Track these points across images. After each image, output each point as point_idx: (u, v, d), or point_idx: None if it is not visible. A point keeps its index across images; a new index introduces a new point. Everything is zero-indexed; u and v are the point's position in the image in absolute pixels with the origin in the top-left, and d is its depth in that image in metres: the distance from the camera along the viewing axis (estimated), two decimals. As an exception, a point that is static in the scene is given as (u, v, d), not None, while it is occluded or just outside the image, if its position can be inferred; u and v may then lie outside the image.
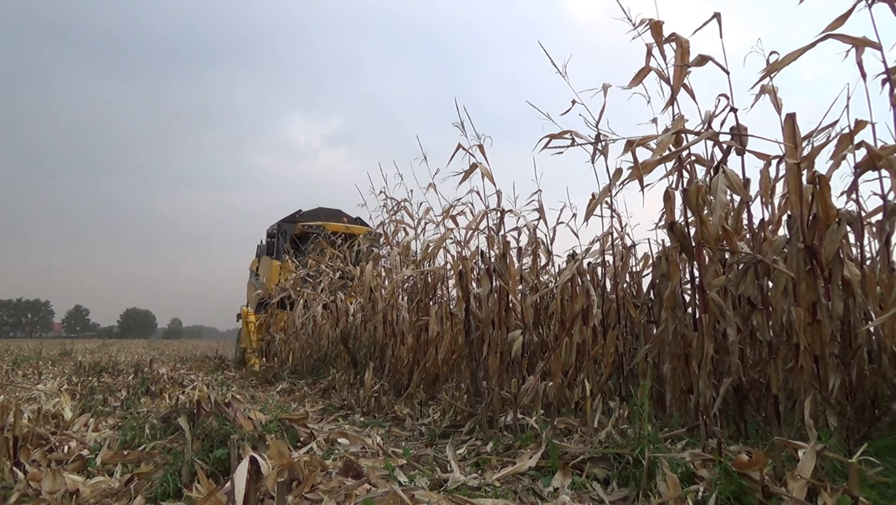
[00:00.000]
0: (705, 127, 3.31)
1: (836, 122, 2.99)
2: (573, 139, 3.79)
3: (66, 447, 3.25)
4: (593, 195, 3.77)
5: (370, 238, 9.97)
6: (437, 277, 5.93)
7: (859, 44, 2.79)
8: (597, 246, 4.42)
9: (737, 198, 3.42)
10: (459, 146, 5.01)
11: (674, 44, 3.41)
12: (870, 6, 2.71)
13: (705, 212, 3.22)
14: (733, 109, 3.22)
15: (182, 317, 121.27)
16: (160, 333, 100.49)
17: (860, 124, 2.90)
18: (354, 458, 2.82)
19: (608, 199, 3.97)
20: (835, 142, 2.99)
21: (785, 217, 3.23)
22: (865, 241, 3.20)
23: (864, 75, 2.81)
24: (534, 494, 2.46)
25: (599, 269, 4.49)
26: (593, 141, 3.79)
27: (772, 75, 3.00)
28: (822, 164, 3.02)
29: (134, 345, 28.77)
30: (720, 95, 3.26)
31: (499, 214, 4.96)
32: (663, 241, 3.65)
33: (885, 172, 2.88)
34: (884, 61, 2.74)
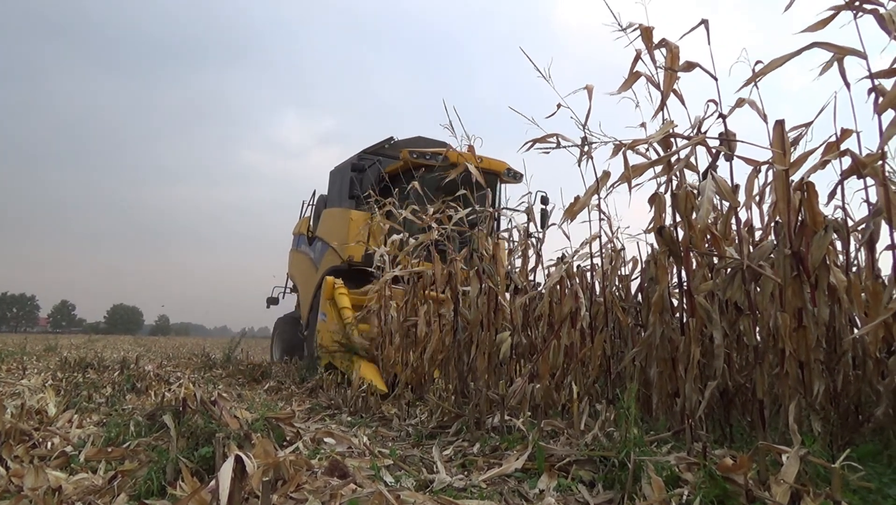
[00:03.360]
0: (694, 132, 3.34)
1: (810, 122, 3.02)
2: (559, 142, 3.81)
3: (49, 443, 3.22)
4: (576, 198, 3.78)
5: (512, 178, 8.11)
6: (426, 278, 5.94)
7: (844, 53, 2.81)
8: (586, 249, 4.44)
9: (726, 203, 3.45)
10: (449, 147, 5.04)
11: (664, 49, 3.43)
12: (856, 17, 2.74)
13: (694, 216, 3.24)
14: (721, 115, 3.25)
15: (169, 314, 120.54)
16: (147, 330, 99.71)
17: (846, 133, 2.93)
18: (340, 457, 2.81)
19: (596, 202, 3.99)
20: (821, 149, 3.02)
21: (773, 223, 3.26)
22: (852, 248, 3.24)
23: (847, 84, 2.84)
24: (519, 496, 2.46)
25: (588, 272, 4.50)
26: (579, 144, 3.80)
27: (756, 82, 3.02)
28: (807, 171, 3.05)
29: (120, 341, 28.54)
30: (709, 101, 3.28)
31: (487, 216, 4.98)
32: (652, 244, 3.67)
33: (870, 181, 2.92)
34: (869, 71, 2.76)
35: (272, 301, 12.58)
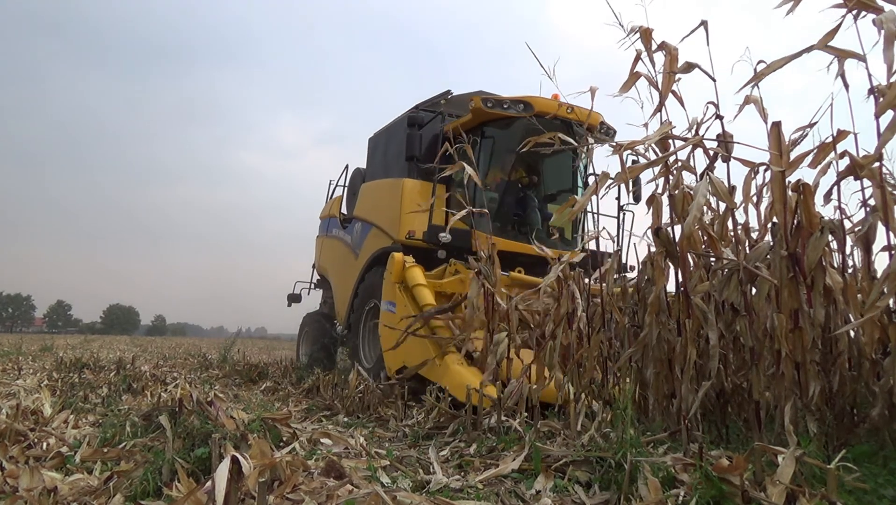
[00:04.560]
0: (692, 133, 3.34)
1: (814, 123, 3.03)
2: (559, 142, 3.81)
3: (44, 444, 3.21)
4: (574, 198, 3.77)
5: (605, 134, 6.38)
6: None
7: (845, 56, 2.82)
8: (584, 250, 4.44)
9: (723, 205, 3.45)
10: (445, 146, 5.03)
11: (663, 51, 3.43)
12: (856, 20, 2.74)
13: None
14: (719, 117, 3.25)
15: (166, 314, 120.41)
16: (143, 330, 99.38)
17: (842, 134, 2.93)
18: (337, 458, 2.81)
19: (594, 202, 3.97)
20: (816, 151, 3.03)
21: (769, 225, 3.27)
22: (848, 250, 3.24)
23: (846, 86, 2.85)
24: (516, 497, 2.46)
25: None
26: (578, 144, 3.79)
27: (756, 84, 3.02)
28: (806, 174, 3.06)
29: (116, 341, 28.45)
30: (708, 103, 3.29)
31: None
32: (649, 245, 3.67)
33: (867, 182, 2.92)
34: (868, 74, 2.77)
35: (294, 298, 11.06)
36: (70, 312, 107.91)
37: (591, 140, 4.85)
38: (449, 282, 5.81)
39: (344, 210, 9.37)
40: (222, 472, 1.84)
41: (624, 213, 6.73)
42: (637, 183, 6.53)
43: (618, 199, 6.73)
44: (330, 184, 10.40)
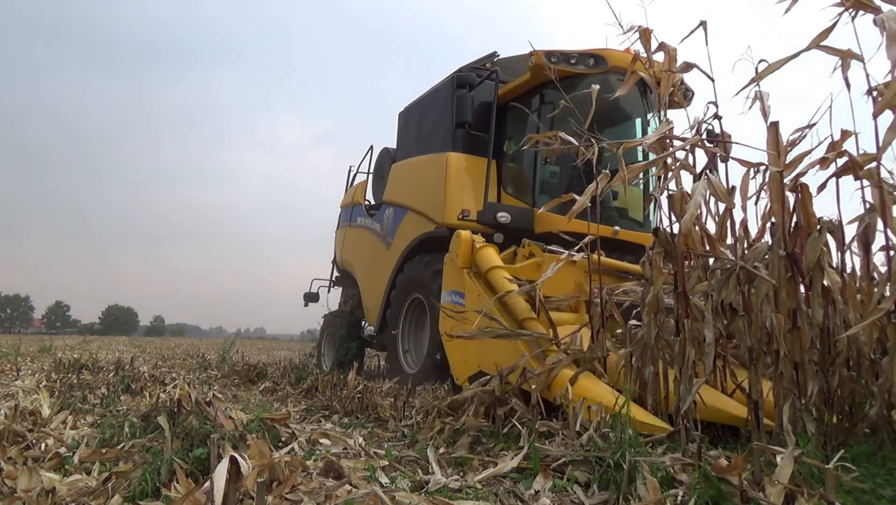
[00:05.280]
0: (692, 133, 3.35)
1: (813, 124, 3.03)
2: (559, 140, 3.81)
3: (43, 445, 3.21)
4: (574, 198, 3.77)
5: (683, 96, 5.17)
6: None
7: (844, 56, 2.82)
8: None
9: (723, 205, 3.45)
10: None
11: (662, 52, 3.44)
12: (853, 19, 2.75)
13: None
14: (718, 116, 3.26)
15: (165, 314, 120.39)
16: (142, 331, 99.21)
17: (845, 134, 2.94)
18: (336, 458, 2.81)
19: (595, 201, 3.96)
20: (818, 150, 3.03)
21: (768, 224, 3.27)
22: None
23: (848, 86, 2.86)
24: (515, 497, 2.46)
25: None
26: (578, 143, 3.80)
27: (757, 84, 3.03)
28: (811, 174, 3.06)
29: (115, 342, 28.41)
30: (709, 103, 3.30)
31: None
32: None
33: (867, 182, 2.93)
34: (866, 74, 2.78)
35: (311, 297, 10.18)
36: (68, 312, 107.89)
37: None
38: (523, 267, 4.87)
39: (369, 197, 8.51)
40: (221, 472, 1.84)
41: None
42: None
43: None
44: (350, 169, 9.49)
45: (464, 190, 5.86)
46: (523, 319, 4.06)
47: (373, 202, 8.37)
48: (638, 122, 5.93)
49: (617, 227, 4.75)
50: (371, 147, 8.73)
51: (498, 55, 6.67)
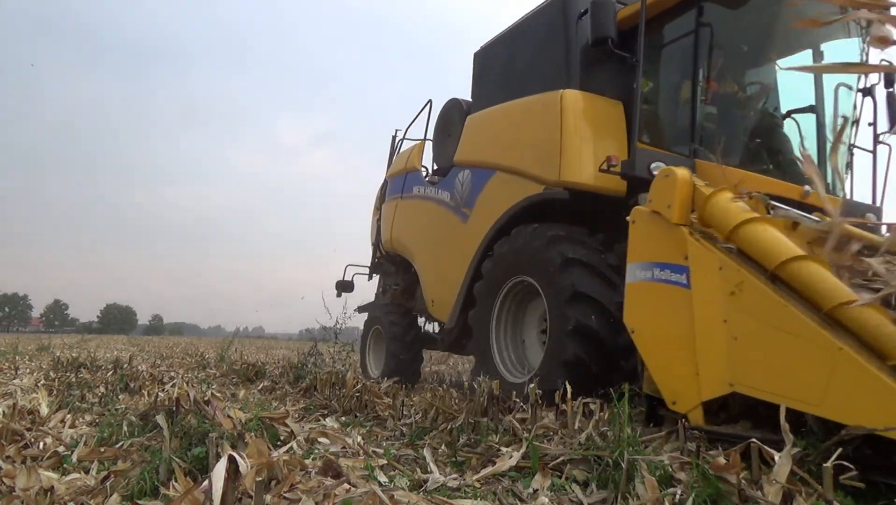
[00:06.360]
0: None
1: None
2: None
3: (41, 444, 3.21)
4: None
5: None
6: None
7: None
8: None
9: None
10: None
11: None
12: None
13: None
14: None
15: (163, 313, 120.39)
16: (141, 330, 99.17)
17: None
18: (334, 457, 2.81)
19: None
20: None
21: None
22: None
23: None
24: (513, 496, 2.46)
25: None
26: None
27: None
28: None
29: (114, 341, 28.38)
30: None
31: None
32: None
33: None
34: None
35: (344, 287, 8.64)
36: (67, 311, 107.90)
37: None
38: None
39: (426, 163, 7.14)
40: (219, 471, 1.84)
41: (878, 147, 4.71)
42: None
43: (873, 125, 4.67)
44: (393, 140, 8.16)
45: (584, 138, 4.54)
46: (786, 259, 2.66)
47: (436, 167, 7.01)
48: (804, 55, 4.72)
49: (808, 188, 3.69)
50: (430, 101, 7.28)
51: None
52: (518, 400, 3.63)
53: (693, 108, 4.30)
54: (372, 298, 8.66)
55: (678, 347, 3.07)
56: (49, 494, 2.38)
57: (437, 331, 7.20)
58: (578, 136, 4.54)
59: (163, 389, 5.33)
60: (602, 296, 4.08)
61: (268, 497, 2.17)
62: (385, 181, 8.13)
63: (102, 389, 5.72)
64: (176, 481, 2.38)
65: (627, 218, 3.47)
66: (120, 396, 5.38)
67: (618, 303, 3.68)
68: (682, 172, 3.26)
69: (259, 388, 6.84)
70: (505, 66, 5.82)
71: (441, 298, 6.19)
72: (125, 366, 8.10)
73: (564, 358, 4.07)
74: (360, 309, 8.18)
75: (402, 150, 7.97)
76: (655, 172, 3.71)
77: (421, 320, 7.46)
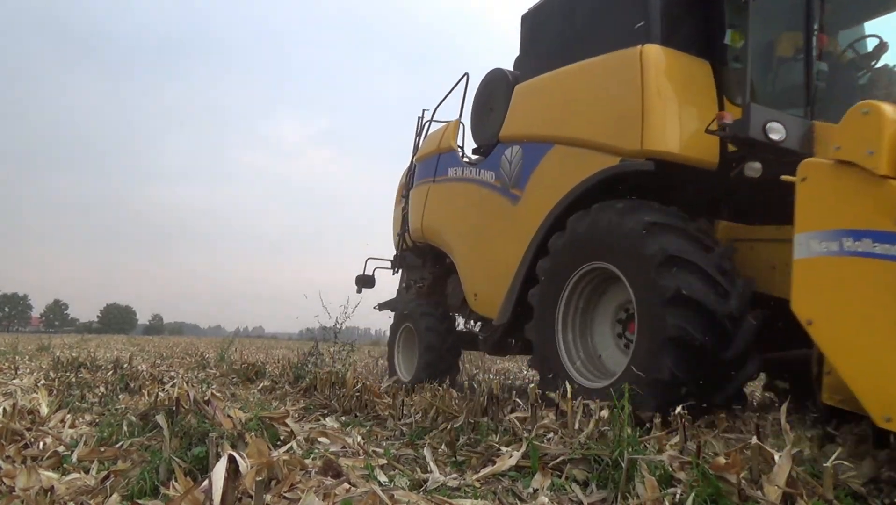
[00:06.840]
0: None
1: None
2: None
3: (41, 443, 3.21)
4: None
5: None
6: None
7: None
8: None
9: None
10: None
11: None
12: None
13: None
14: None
15: (163, 313, 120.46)
16: (140, 329, 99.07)
17: None
18: (334, 457, 2.81)
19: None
20: None
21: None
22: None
23: None
24: (513, 495, 2.46)
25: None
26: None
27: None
28: None
29: (114, 340, 28.35)
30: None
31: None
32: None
33: None
34: None
35: (365, 282, 8.02)
36: (67, 311, 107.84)
37: None
38: None
39: (460, 142, 6.51)
40: (219, 471, 1.84)
41: None
42: None
43: None
44: (419, 122, 7.46)
45: (669, 100, 3.88)
46: None
47: (475, 146, 6.28)
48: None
49: None
50: (465, 74, 6.57)
51: None
52: (518, 400, 3.63)
53: (808, 64, 3.80)
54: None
55: (890, 343, 2.34)
56: (49, 493, 2.38)
57: (477, 329, 6.42)
58: (663, 98, 3.89)
59: (163, 389, 5.33)
60: (710, 301, 3.44)
61: (268, 497, 2.17)
62: (412, 165, 7.42)
63: (102, 389, 5.72)
64: (176, 481, 2.38)
65: (784, 178, 2.83)
66: (120, 396, 5.38)
67: (728, 313, 3.37)
68: (890, 109, 2.53)
69: (259, 387, 6.84)
70: (563, 26, 5.07)
71: (487, 291, 5.50)
72: (125, 366, 8.10)
73: (657, 375, 3.45)
74: (381, 306, 7.75)
75: (430, 132, 7.23)
76: (772, 135, 3.28)
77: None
